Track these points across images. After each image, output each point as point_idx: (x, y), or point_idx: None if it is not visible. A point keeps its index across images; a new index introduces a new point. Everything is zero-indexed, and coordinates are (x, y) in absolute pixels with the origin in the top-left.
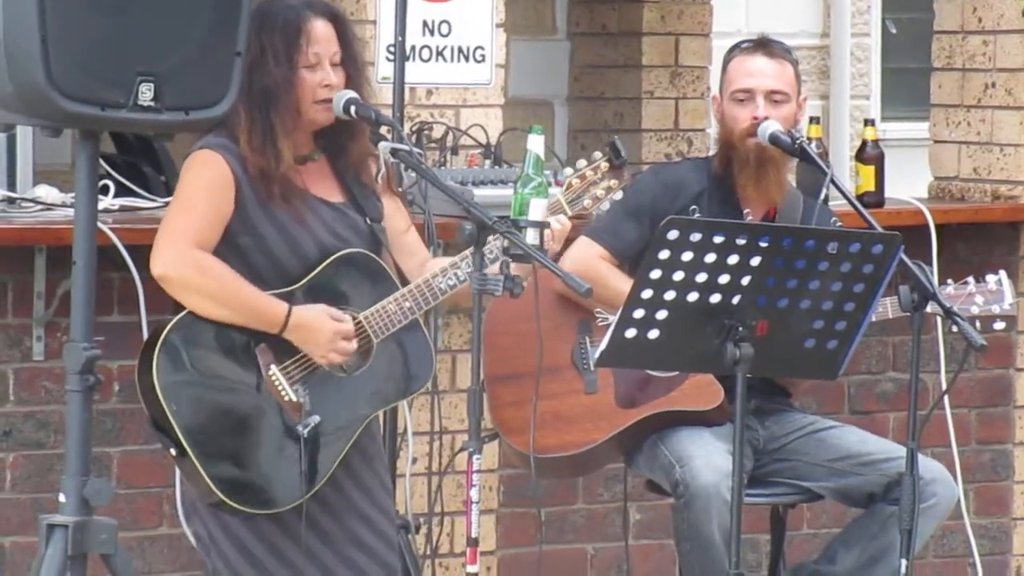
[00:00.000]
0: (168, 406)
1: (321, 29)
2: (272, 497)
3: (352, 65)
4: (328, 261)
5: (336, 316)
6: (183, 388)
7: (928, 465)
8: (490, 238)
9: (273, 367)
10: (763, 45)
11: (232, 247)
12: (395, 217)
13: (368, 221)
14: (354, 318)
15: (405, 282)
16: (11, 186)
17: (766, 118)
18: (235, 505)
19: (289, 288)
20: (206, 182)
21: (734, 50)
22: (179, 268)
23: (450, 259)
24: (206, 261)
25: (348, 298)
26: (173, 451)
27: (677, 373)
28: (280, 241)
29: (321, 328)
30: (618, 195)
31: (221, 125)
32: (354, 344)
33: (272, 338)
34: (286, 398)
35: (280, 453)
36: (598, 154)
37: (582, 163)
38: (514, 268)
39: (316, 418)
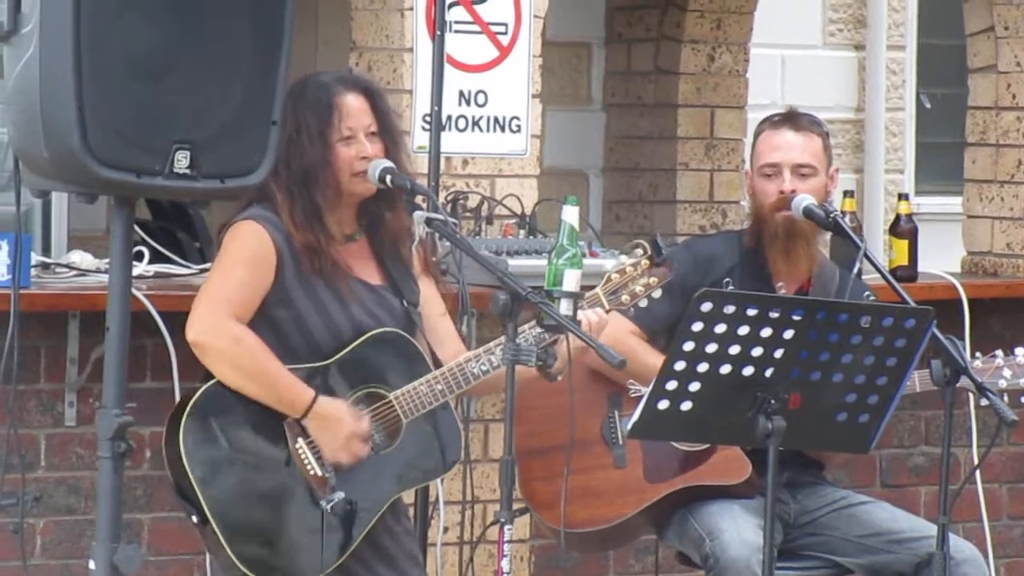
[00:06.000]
0: (192, 472)
1: (353, 102)
2: (295, 572)
3: (388, 136)
4: (363, 339)
5: (356, 416)
6: (209, 456)
7: (959, 545)
8: (526, 328)
9: (300, 440)
10: (790, 118)
11: (266, 318)
12: (431, 302)
13: (404, 304)
14: (384, 396)
15: (438, 365)
16: (46, 251)
17: (793, 192)
18: None
19: (322, 363)
20: (248, 253)
21: (763, 124)
22: (215, 337)
23: (485, 346)
24: (242, 334)
25: (380, 376)
26: (195, 518)
27: (705, 447)
28: (316, 316)
29: (341, 424)
30: (657, 293)
31: (264, 197)
32: (367, 448)
33: None
34: (312, 472)
35: (304, 527)
36: (640, 251)
37: (624, 259)
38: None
39: (340, 494)
